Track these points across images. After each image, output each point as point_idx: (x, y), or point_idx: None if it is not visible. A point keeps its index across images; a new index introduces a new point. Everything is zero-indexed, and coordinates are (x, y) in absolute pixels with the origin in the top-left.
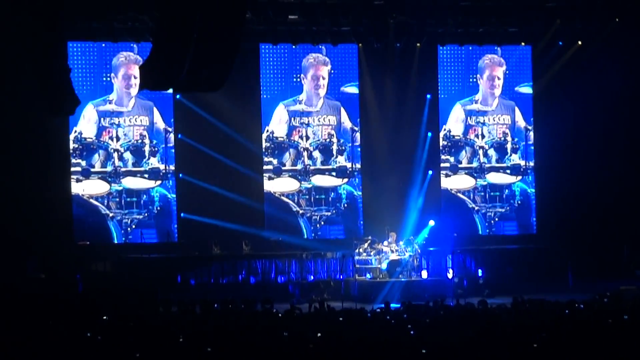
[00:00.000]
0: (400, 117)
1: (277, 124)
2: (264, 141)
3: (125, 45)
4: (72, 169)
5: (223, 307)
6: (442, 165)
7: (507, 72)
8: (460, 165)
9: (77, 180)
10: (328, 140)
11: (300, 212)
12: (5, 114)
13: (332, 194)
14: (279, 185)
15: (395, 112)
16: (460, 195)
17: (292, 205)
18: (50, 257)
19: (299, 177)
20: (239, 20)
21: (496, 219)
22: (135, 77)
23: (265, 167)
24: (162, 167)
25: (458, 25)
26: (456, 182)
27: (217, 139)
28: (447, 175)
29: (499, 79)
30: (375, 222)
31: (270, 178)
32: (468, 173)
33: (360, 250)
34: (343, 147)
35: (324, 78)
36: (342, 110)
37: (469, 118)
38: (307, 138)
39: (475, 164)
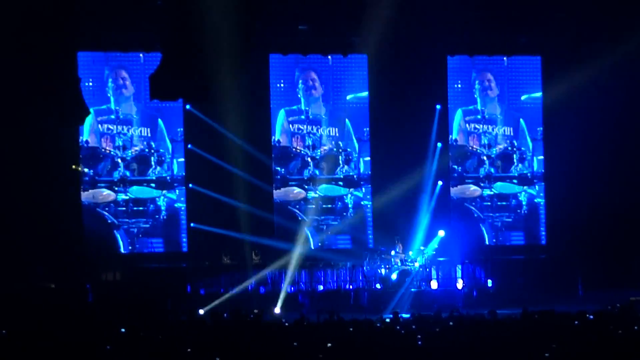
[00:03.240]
0: (410, 127)
1: (281, 133)
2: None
3: (134, 56)
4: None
5: (232, 317)
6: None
7: (512, 82)
8: (466, 175)
9: (84, 189)
10: (335, 149)
11: (307, 221)
12: (15, 123)
13: (339, 203)
14: (285, 195)
15: (405, 122)
16: (466, 205)
17: (299, 214)
18: (60, 267)
19: (305, 186)
20: (248, 30)
21: (503, 229)
22: (130, 88)
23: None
24: (168, 176)
25: (468, 36)
26: (462, 192)
27: (226, 149)
28: (453, 185)
29: (493, 89)
30: (384, 232)
31: (276, 187)
32: (474, 182)
33: (370, 260)
34: (350, 157)
35: (314, 84)
36: (348, 120)
37: (473, 127)
38: (313, 147)
39: (481, 173)
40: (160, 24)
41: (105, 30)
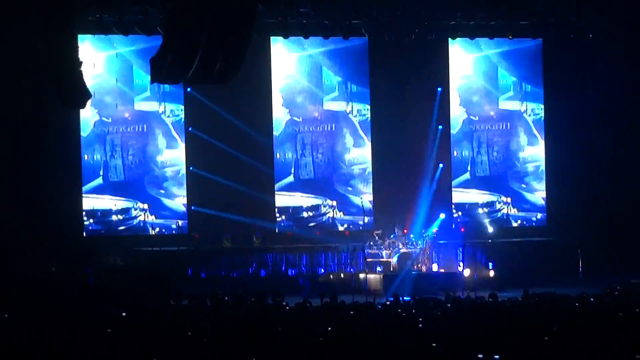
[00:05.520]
0: (411, 110)
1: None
2: (274, 134)
3: (136, 38)
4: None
5: (234, 300)
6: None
7: (513, 65)
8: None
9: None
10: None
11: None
12: (16, 108)
13: None
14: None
15: (406, 105)
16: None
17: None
18: (61, 250)
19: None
20: (249, 13)
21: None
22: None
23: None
24: (170, 158)
25: (468, 18)
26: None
27: (227, 132)
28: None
29: (498, 73)
30: (385, 215)
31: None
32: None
33: (371, 243)
34: (352, 139)
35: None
36: (350, 102)
37: (475, 108)
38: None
39: (483, 158)
40: (161, 7)
41: (107, 12)
